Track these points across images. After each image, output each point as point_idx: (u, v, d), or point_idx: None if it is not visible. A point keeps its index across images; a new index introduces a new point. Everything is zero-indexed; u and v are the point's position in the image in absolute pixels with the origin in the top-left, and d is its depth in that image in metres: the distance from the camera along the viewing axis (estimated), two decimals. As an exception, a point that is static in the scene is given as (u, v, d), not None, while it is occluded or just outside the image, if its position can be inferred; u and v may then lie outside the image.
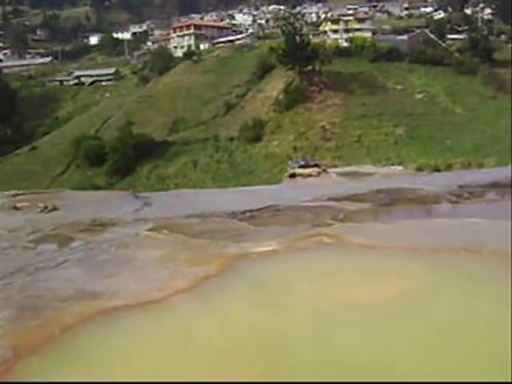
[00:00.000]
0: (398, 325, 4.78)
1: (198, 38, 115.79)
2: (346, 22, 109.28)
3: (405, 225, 8.42)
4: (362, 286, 5.82)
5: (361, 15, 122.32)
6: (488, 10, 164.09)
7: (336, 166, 29.03)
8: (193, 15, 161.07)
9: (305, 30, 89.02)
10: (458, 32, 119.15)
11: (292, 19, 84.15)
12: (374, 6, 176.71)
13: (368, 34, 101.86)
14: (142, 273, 6.37)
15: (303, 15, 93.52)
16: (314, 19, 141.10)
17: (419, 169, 22.46)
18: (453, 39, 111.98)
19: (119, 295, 5.63)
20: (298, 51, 76.49)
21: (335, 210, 9.68)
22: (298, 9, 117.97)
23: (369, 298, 5.42)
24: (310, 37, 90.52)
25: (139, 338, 4.82)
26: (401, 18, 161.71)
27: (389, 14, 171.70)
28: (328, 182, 15.16)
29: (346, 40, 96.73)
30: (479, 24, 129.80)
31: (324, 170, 17.73)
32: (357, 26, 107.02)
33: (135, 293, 5.66)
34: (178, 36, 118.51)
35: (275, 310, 5.31)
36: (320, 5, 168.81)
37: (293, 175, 18.14)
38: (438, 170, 21.80)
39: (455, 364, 4.07)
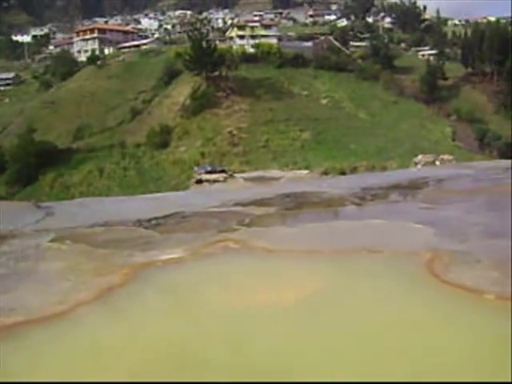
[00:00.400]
0: (308, 326, 4.83)
1: (103, 42, 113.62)
2: (253, 28, 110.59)
3: (309, 228, 8.56)
4: (269, 289, 5.85)
5: (267, 22, 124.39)
6: (388, 19, 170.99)
7: (244, 171, 29.22)
8: (97, 19, 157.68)
9: (211, 35, 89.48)
10: (361, 39, 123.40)
11: (198, 25, 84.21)
12: (280, 13, 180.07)
13: (274, 41, 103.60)
14: (43, 286, 6.12)
15: (210, 21, 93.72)
16: (221, 25, 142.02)
17: (325, 172, 22.97)
18: (355, 46, 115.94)
19: (18, 310, 5.39)
20: (205, 57, 76.64)
21: (241, 215, 9.71)
22: (205, 14, 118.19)
23: (276, 301, 5.44)
24: (217, 42, 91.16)
25: (42, 352, 4.63)
26: (306, 25, 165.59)
27: (294, 21, 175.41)
28: (235, 187, 15.21)
29: (253, 46, 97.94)
30: (380, 32, 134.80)
31: (231, 176, 17.78)
32: (263, 32, 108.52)
33: (36, 307, 5.43)
34: (82, 40, 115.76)
35: (184, 318, 5.24)
36: (226, 11, 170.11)
37: (199, 181, 18.10)
38: (344, 173, 22.40)
39: (366, 360, 4.14)
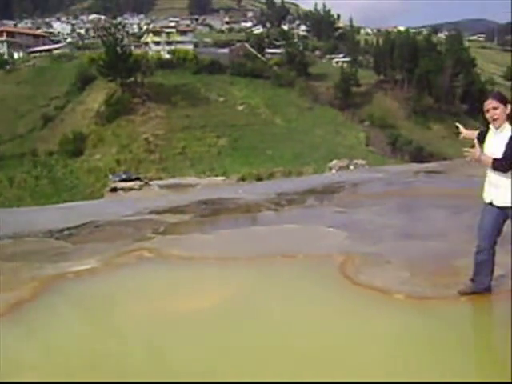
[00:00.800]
0: (225, 330, 4.84)
1: (12, 45, 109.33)
2: (168, 34, 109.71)
3: (225, 234, 8.56)
4: (184, 297, 5.81)
5: (183, 28, 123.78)
6: (303, 27, 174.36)
7: (161, 179, 28.85)
8: (5, 21, 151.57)
9: (126, 40, 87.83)
10: (276, 46, 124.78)
11: (113, 29, 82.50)
12: (196, 19, 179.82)
13: (190, 47, 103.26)
14: None
15: (124, 26, 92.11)
16: (136, 30, 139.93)
17: (242, 178, 23.02)
18: (271, 53, 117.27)
19: None
20: (120, 62, 75.18)
21: (156, 223, 9.59)
22: (119, 19, 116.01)
23: (192, 308, 5.41)
24: (132, 48, 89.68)
25: None
26: (222, 31, 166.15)
27: (210, 27, 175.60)
28: (150, 195, 15.00)
29: (169, 52, 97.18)
30: (295, 39, 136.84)
31: (146, 183, 17.51)
32: (179, 38, 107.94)
33: None
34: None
35: (100, 329, 5.13)
36: (142, 16, 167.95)
37: (114, 189, 17.69)
38: (261, 179, 22.51)
39: (284, 360, 4.18)
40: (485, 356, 4.38)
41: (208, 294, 5.82)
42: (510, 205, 4.70)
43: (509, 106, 4.65)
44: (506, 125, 4.66)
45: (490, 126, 4.83)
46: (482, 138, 4.97)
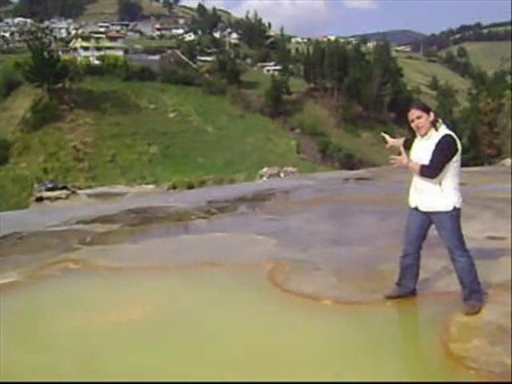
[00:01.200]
0: (154, 340, 4.78)
1: None
2: (98, 39, 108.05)
3: (154, 243, 8.42)
4: (112, 308, 5.67)
5: (113, 33, 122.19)
6: (235, 35, 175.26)
7: (90, 187, 28.20)
8: None
9: (54, 45, 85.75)
10: (208, 54, 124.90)
11: (40, 34, 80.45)
12: (127, 25, 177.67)
13: (120, 53, 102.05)
14: None
15: (52, 30, 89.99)
16: (64, 35, 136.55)
17: (173, 186, 22.79)
18: (203, 61, 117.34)
19: None
20: (47, 68, 73.37)
21: (83, 233, 9.34)
22: (47, 23, 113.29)
23: (119, 319, 5.29)
24: (60, 53, 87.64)
25: None
26: (153, 38, 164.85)
27: (141, 33, 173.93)
28: (78, 205, 14.63)
29: (98, 58, 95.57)
30: (227, 47, 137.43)
31: (74, 192, 17.08)
32: (109, 44, 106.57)
33: None
34: None
35: (26, 343, 4.94)
36: (70, 20, 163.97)
37: (40, 199, 17.14)
38: (192, 187, 22.35)
39: (219, 371, 4.15)
40: (410, 356, 4.48)
41: (136, 304, 5.71)
42: (434, 210, 4.82)
43: (431, 114, 4.79)
44: (433, 132, 4.79)
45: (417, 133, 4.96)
46: (408, 145, 5.10)
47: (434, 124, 4.80)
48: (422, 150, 4.83)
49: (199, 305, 5.63)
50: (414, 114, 4.83)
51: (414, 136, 5.02)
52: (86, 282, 6.61)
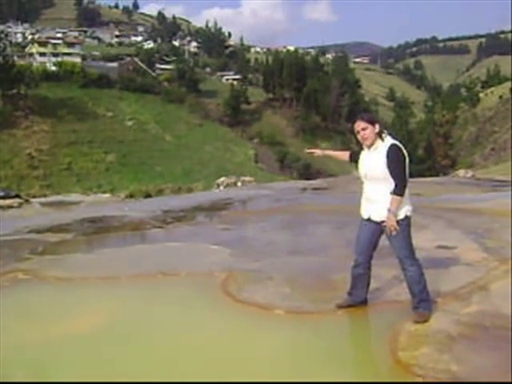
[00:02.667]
0: (109, 353, 4.71)
1: None
2: (55, 45, 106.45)
3: (107, 253, 8.33)
4: (62, 319, 5.56)
5: (70, 39, 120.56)
6: (194, 44, 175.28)
7: (45, 196, 27.73)
8: None
9: (9, 50, 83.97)
10: (167, 62, 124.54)
11: (-6, 38, 78.82)
12: (85, 31, 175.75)
13: (78, 59, 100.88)
14: None
15: (7, 34, 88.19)
16: (20, 40, 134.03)
17: (130, 195, 22.54)
18: (162, 69, 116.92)
19: None
20: (1, 73, 71.85)
21: (35, 243, 9.17)
22: (2, 27, 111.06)
23: (70, 330, 5.19)
24: (15, 58, 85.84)
25: None
26: (111, 45, 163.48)
27: (99, 40, 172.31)
28: (31, 213, 14.35)
29: (55, 64, 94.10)
30: (186, 56, 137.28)
31: (27, 201, 16.73)
32: (66, 50, 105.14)
33: None
34: None
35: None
36: (26, 25, 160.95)
37: (-10, 208, 16.73)
38: (149, 196, 22.15)
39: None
40: (360, 364, 4.51)
41: (86, 316, 5.62)
42: (385, 219, 4.87)
43: (377, 126, 4.86)
44: (379, 142, 4.85)
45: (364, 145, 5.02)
46: (355, 157, 5.17)
47: (379, 135, 4.87)
48: (371, 161, 4.90)
49: (150, 315, 5.57)
50: (359, 125, 4.89)
51: (361, 148, 5.08)
52: (35, 292, 6.48)
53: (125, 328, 5.27)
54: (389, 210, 4.78)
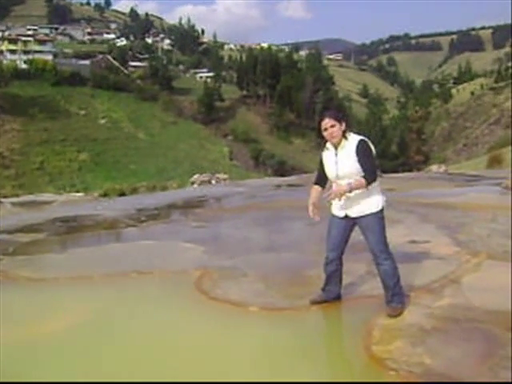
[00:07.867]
0: (79, 353, 4.62)
1: None
2: (25, 42, 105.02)
3: (80, 253, 8.25)
4: (34, 320, 5.47)
5: (41, 37, 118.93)
6: (167, 41, 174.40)
7: (17, 195, 27.34)
8: None
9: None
10: (140, 60, 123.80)
11: (-38, 36, 77.61)
12: (56, 29, 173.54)
13: (49, 57, 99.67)
14: None
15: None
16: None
17: (104, 194, 22.35)
18: (134, 66, 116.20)
19: None
20: (-30, 71, 70.76)
21: (6, 243, 9.03)
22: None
23: (44, 331, 5.12)
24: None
25: None
26: (83, 42, 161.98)
27: (71, 37, 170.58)
28: (2, 213, 14.17)
29: (25, 62, 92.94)
30: (159, 53, 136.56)
31: (-4, 201, 16.51)
32: (37, 47, 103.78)
33: None
34: None
35: None
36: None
37: (-40, 208, 16.43)
38: (124, 195, 21.97)
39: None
40: (334, 359, 4.53)
41: (57, 316, 5.54)
42: (365, 213, 4.87)
43: (343, 124, 4.83)
44: (344, 141, 4.82)
45: (327, 145, 4.97)
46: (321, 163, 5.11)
47: (344, 133, 4.85)
48: (341, 160, 4.84)
49: (124, 314, 5.53)
50: (327, 123, 4.81)
51: (323, 148, 5.03)
52: (5, 293, 6.38)
53: (99, 327, 5.21)
54: (349, 184, 4.72)
